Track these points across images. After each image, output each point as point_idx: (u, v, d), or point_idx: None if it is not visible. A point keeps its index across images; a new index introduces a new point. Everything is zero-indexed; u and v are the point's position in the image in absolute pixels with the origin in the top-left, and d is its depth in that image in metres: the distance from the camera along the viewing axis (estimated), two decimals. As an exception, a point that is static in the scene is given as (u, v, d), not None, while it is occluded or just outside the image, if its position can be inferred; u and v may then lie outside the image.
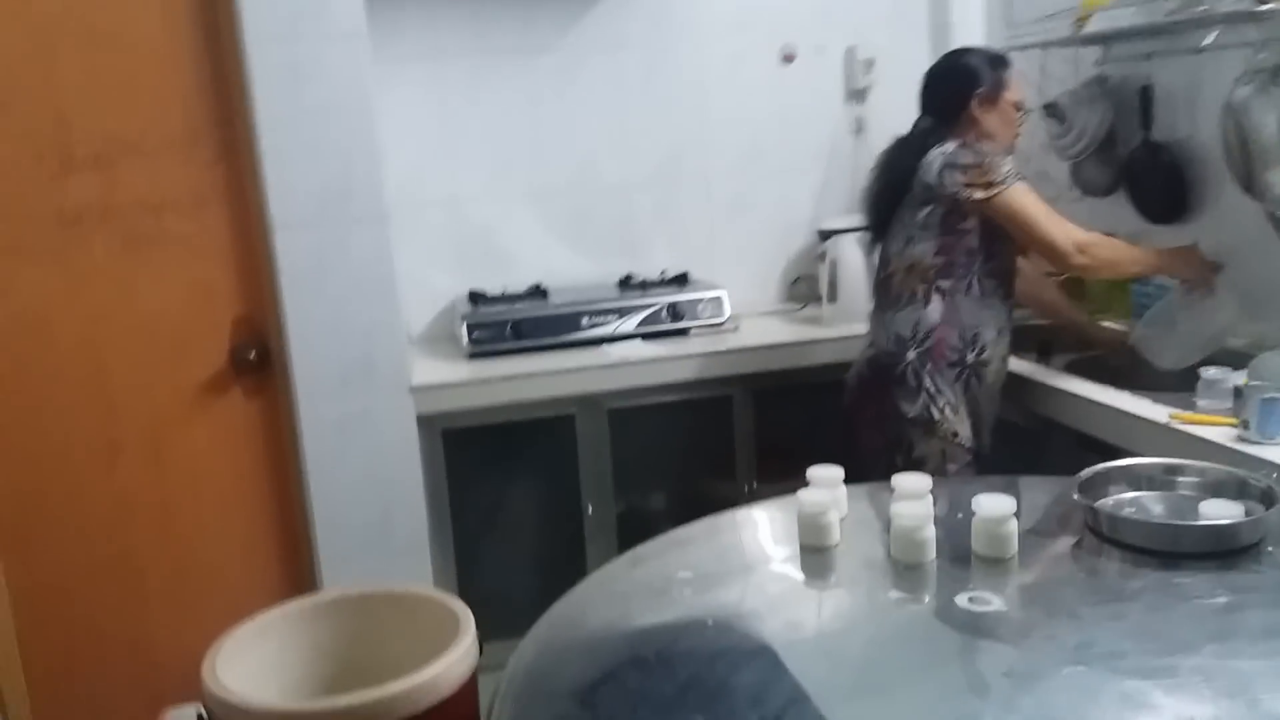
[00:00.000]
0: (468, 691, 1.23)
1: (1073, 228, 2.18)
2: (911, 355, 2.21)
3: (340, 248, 2.42)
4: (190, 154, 2.40)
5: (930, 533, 1.41)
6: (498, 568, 2.67)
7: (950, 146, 2.21)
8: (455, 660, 1.21)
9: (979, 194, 2.15)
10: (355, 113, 2.39)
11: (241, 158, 2.41)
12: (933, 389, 2.20)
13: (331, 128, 2.38)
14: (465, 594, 2.63)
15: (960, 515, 1.47)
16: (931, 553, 1.41)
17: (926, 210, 2.22)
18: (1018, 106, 2.32)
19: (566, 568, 1.55)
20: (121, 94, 2.34)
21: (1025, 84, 2.50)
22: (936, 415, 2.19)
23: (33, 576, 2.42)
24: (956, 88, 2.30)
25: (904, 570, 1.41)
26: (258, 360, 2.46)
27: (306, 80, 2.34)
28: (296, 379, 2.42)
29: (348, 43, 2.37)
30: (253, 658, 1.31)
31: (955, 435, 2.20)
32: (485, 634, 1.46)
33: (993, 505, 1.40)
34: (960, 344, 2.20)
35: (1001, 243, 2.21)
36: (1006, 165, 2.17)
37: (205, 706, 1.21)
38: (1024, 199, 2.16)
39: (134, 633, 2.48)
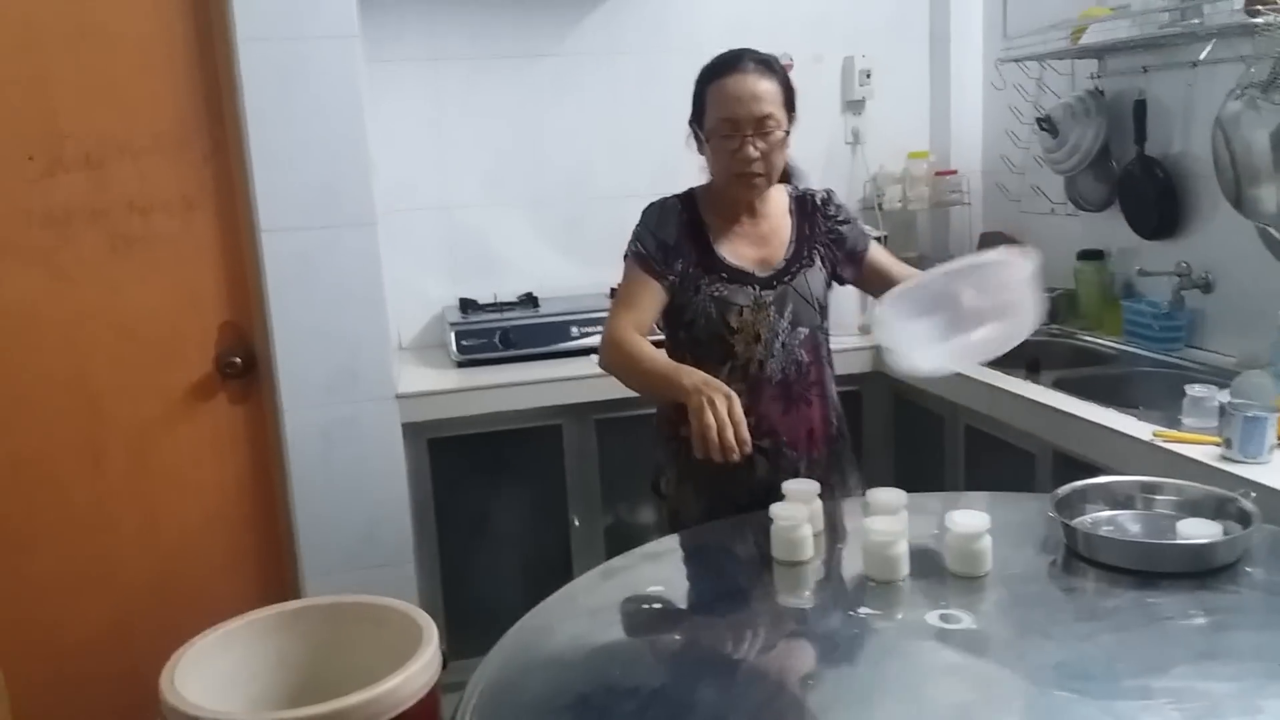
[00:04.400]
0: (428, 705, 1.21)
1: (622, 321, 1.82)
2: (655, 419, 2.02)
3: (328, 252, 2.40)
4: (179, 155, 2.39)
5: (902, 549, 1.39)
6: (483, 580, 2.65)
7: None
8: (414, 673, 1.19)
9: None
10: (346, 115, 2.38)
11: (230, 159, 2.41)
12: (661, 459, 1.97)
13: (321, 130, 2.37)
14: (450, 607, 2.64)
15: (937, 531, 1.45)
16: (904, 569, 1.39)
17: None
18: (717, 133, 1.80)
19: (552, 581, 1.52)
20: (112, 92, 2.33)
21: (738, 98, 1.78)
22: (662, 487, 1.97)
23: (13, 580, 2.40)
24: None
25: (876, 586, 1.39)
26: (243, 365, 2.45)
27: (297, 81, 2.34)
28: (281, 385, 2.41)
29: (339, 44, 2.36)
30: (215, 668, 1.29)
31: (676, 513, 1.93)
32: (469, 648, 1.44)
33: (966, 522, 1.38)
34: (673, 414, 1.86)
35: (687, 308, 1.87)
36: (634, 233, 1.90)
37: (162, 718, 1.19)
38: (623, 275, 1.90)
39: (115, 640, 2.46)
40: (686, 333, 1.89)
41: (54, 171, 2.32)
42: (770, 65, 1.81)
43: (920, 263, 3.31)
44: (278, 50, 2.32)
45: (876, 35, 3.26)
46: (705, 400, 1.59)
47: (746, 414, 1.73)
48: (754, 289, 1.87)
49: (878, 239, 2.07)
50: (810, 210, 1.96)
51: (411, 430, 2.53)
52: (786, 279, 1.89)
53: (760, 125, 1.78)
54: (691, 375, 1.67)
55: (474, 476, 2.63)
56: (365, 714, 1.15)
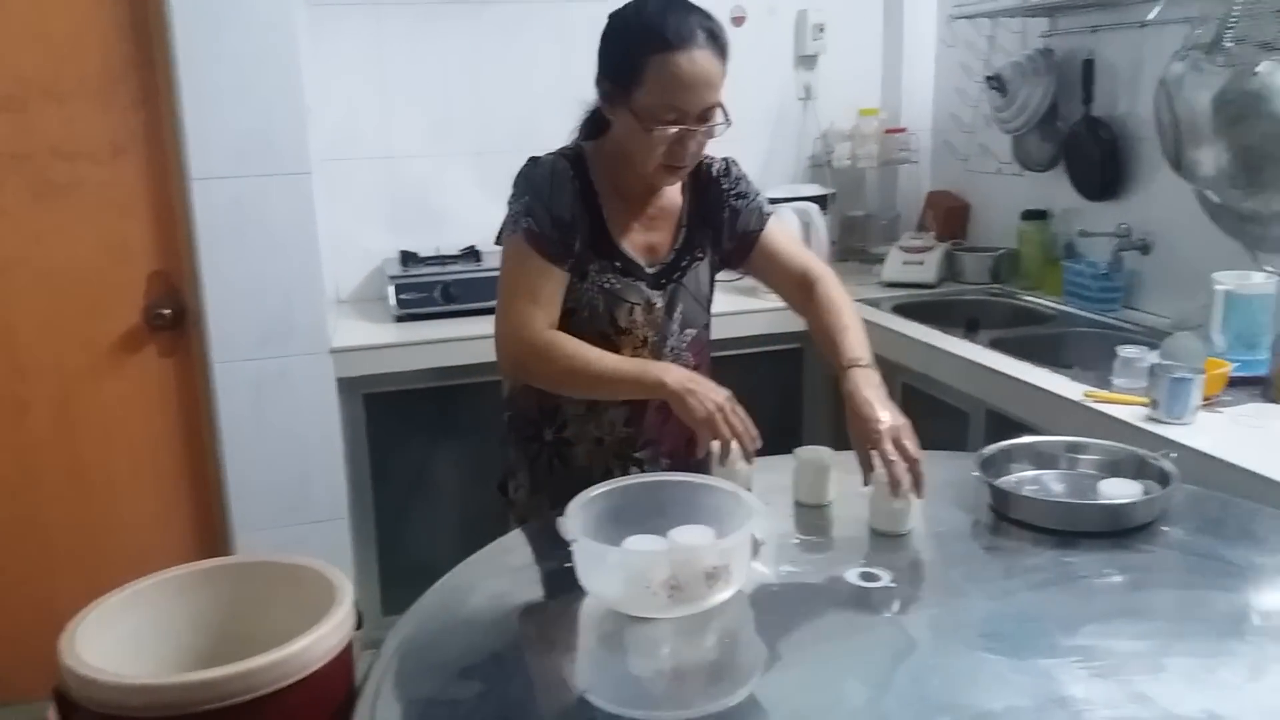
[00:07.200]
0: (340, 665, 1.19)
1: (539, 323, 1.54)
2: (506, 418, 1.78)
3: (261, 201, 2.34)
4: (108, 99, 2.32)
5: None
6: (420, 537, 2.63)
7: None
8: (325, 634, 1.16)
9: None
10: (280, 60, 2.31)
11: (161, 104, 2.34)
12: (513, 461, 1.77)
13: (255, 75, 2.30)
14: (386, 564, 2.62)
15: (864, 490, 1.44)
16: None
17: None
18: (655, 117, 1.48)
19: (489, 539, 1.50)
20: (34, 33, 2.25)
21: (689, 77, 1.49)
22: (511, 492, 1.79)
23: (-67, 534, 2.35)
24: (599, 65, 1.57)
25: (800, 543, 1.39)
26: (173, 317, 2.40)
27: (229, 24, 2.26)
28: (212, 337, 2.36)
29: (274, -13, 2.29)
30: (122, 629, 1.25)
31: (524, 520, 1.71)
32: (404, 605, 1.42)
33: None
34: (538, 416, 1.70)
35: (570, 295, 1.60)
36: (518, 202, 1.58)
37: (61, 683, 1.15)
38: (510, 256, 1.59)
39: (40, 595, 2.41)
40: (563, 322, 1.58)
41: (-29, 114, 2.24)
42: (718, 38, 1.51)
43: (866, 221, 3.32)
44: (209, -10, 2.24)
45: (831, -12, 3.22)
46: (713, 405, 1.44)
47: (627, 424, 1.65)
48: (644, 286, 1.64)
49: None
50: (705, 182, 1.69)
51: (347, 385, 2.49)
52: (676, 276, 1.67)
53: (705, 117, 1.51)
54: (669, 370, 1.48)
55: (412, 433, 2.60)
56: (272, 676, 1.12)
